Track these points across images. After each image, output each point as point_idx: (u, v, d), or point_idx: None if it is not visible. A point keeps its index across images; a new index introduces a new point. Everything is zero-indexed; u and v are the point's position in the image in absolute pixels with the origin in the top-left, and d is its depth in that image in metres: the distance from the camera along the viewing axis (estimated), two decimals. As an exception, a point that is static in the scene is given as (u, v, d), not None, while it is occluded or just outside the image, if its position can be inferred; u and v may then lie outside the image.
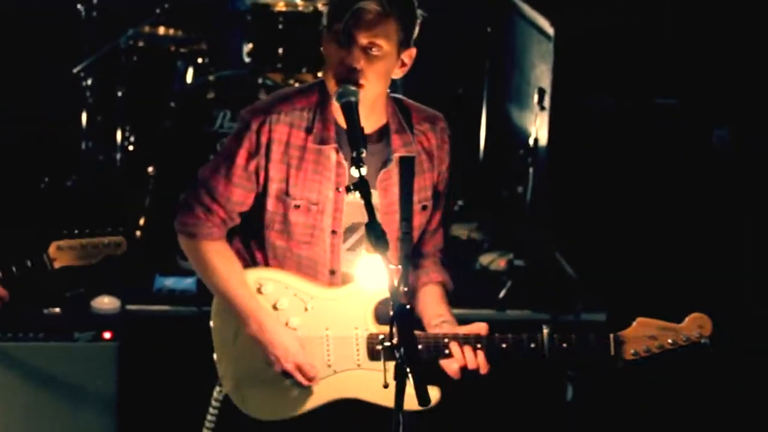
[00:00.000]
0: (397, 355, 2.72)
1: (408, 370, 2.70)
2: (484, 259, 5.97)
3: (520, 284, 5.52)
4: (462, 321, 3.22)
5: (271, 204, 3.21)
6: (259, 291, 3.22)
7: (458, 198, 6.55)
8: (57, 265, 3.38)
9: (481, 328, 3.12)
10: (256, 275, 3.24)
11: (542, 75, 6.50)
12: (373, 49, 3.00)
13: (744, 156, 6.03)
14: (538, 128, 5.93)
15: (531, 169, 5.89)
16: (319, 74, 3.66)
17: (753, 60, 6.16)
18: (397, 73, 3.12)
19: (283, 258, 3.26)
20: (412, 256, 3.34)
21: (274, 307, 3.22)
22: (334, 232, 3.20)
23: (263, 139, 3.18)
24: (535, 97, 5.88)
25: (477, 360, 3.07)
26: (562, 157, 6.20)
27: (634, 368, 3.10)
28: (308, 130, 3.19)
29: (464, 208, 6.51)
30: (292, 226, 3.23)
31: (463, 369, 3.09)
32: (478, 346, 3.07)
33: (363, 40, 2.98)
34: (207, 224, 3.22)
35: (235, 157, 3.18)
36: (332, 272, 3.23)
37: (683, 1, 6.31)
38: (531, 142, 5.88)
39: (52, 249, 3.37)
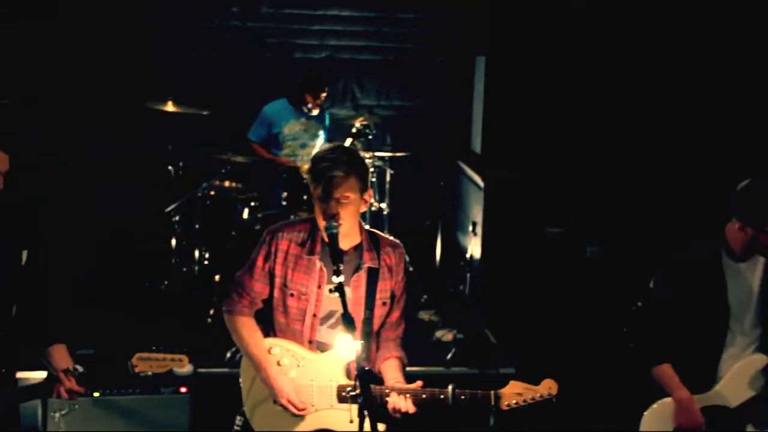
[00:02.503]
0: (359, 401, 3.04)
1: (366, 411, 3.02)
2: (439, 333, 6.56)
3: (461, 350, 6.12)
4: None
5: (276, 293, 3.55)
6: (269, 351, 3.55)
7: (423, 293, 7.24)
8: (137, 370, 3.56)
9: (416, 385, 3.45)
10: (269, 342, 3.60)
11: (476, 212, 7.28)
12: (343, 200, 3.36)
13: (607, 264, 6.77)
14: (472, 247, 6.95)
15: (468, 275, 6.84)
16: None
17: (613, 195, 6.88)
18: (363, 208, 3.43)
19: (283, 331, 3.58)
20: (379, 340, 3.60)
21: (279, 363, 3.53)
22: (314, 315, 3.53)
23: (272, 249, 3.51)
24: (471, 227, 6.96)
25: (406, 405, 3.43)
26: (488, 266, 6.96)
27: (514, 412, 3.39)
28: (302, 245, 3.49)
29: (427, 300, 7.25)
30: (288, 309, 3.53)
31: (399, 411, 3.43)
32: (407, 396, 3.43)
33: (336, 195, 3.34)
34: (239, 306, 3.60)
35: (256, 261, 3.57)
36: (310, 342, 3.56)
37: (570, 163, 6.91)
38: (468, 256, 6.92)
39: (135, 358, 3.56)
